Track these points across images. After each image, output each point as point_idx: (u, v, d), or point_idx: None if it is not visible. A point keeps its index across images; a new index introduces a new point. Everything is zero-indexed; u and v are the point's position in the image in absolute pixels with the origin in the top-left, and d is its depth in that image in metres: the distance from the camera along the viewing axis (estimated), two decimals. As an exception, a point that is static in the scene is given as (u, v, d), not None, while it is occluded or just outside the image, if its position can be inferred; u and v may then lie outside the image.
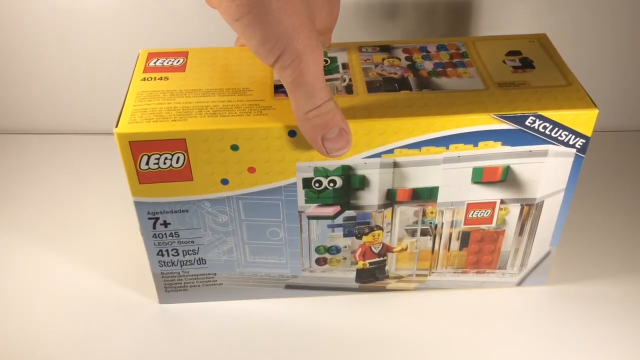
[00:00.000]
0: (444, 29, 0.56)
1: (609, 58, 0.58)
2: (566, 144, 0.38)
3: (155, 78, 0.40)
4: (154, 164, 0.37)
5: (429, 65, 0.41)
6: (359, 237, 0.42)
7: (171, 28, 0.56)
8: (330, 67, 0.41)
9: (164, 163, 0.37)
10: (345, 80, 0.39)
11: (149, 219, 0.40)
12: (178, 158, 0.37)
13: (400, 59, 0.41)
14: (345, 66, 0.41)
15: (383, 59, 0.41)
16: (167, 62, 0.41)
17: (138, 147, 0.36)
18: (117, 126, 0.36)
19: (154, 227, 0.40)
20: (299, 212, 0.40)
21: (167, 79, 0.39)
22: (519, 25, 0.56)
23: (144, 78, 0.40)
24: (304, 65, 0.32)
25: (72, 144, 0.62)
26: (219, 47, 0.43)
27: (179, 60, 0.41)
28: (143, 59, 0.42)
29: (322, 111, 0.33)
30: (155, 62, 0.41)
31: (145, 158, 0.36)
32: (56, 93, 0.61)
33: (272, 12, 0.30)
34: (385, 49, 0.42)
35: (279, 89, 0.39)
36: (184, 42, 0.56)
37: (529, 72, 0.40)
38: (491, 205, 0.41)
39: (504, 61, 0.41)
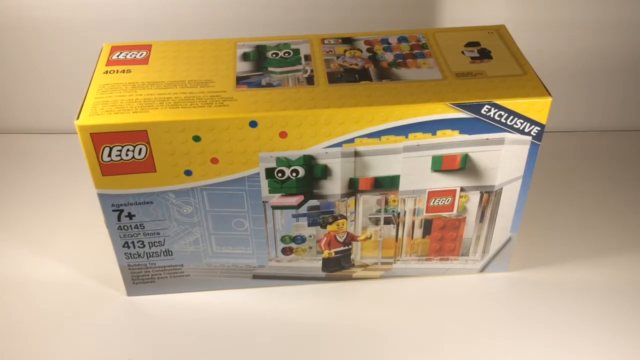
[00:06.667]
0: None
1: (609, 57, 0.58)
2: (522, 132, 0.39)
3: (117, 71, 0.40)
4: (116, 155, 0.37)
5: (389, 57, 0.41)
6: (324, 226, 0.43)
7: (176, 25, 0.56)
8: (292, 59, 0.41)
9: (126, 155, 0.37)
10: (307, 72, 0.40)
11: (114, 211, 0.40)
12: (140, 149, 0.37)
13: (362, 51, 0.42)
14: (307, 58, 0.41)
15: (345, 51, 0.42)
16: (130, 55, 0.41)
17: (99, 139, 0.36)
18: (77, 118, 0.36)
19: (119, 219, 0.40)
20: (263, 202, 0.41)
21: (130, 71, 0.40)
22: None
23: (107, 71, 0.40)
24: None
25: (73, 143, 0.62)
26: (182, 40, 0.43)
27: (142, 53, 0.41)
28: (106, 52, 0.42)
29: None
30: (118, 55, 0.41)
31: (107, 150, 0.37)
32: (56, 93, 0.60)
33: None
34: (348, 41, 0.43)
35: (241, 80, 0.39)
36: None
37: (486, 63, 0.40)
38: (451, 193, 0.41)
39: (462, 52, 0.41)
